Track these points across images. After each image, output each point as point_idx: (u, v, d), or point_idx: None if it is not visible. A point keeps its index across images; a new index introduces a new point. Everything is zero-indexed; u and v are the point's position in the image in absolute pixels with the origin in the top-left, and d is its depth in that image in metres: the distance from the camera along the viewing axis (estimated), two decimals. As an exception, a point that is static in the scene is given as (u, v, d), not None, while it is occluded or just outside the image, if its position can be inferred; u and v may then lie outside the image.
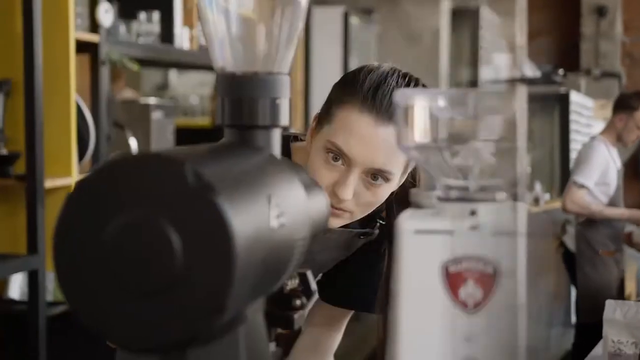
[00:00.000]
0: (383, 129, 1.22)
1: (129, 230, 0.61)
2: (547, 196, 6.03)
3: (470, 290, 0.68)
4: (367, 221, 1.39)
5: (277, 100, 0.79)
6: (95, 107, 2.65)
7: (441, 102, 0.71)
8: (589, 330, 4.01)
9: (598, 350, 2.07)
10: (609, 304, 1.99)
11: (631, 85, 9.51)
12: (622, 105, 4.36)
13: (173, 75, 5.32)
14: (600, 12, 9.17)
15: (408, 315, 0.69)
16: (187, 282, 0.61)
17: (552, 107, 6.72)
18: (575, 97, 6.86)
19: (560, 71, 6.73)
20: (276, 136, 0.80)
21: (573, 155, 6.98)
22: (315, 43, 5.18)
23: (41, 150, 2.33)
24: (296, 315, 0.85)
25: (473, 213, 0.69)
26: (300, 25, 0.82)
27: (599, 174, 4.26)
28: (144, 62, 3.23)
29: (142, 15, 3.07)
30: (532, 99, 5.69)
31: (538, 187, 6.18)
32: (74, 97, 2.49)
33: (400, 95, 0.71)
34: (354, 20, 6.17)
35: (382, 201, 1.29)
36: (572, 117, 6.76)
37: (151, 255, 0.61)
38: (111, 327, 0.62)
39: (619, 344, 1.92)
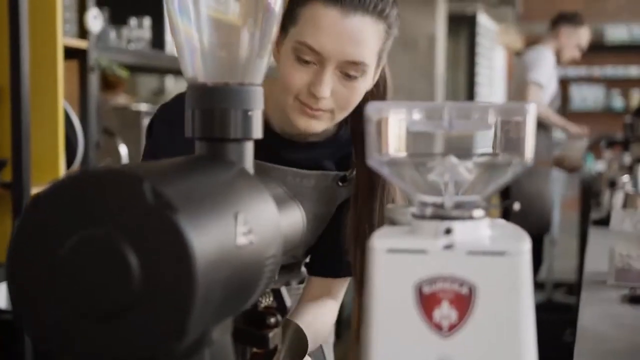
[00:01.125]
0: (350, 19, 1.21)
1: (85, 248, 0.59)
2: None
3: (445, 311, 0.65)
4: (343, 166, 1.39)
5: (250, 112, 0.77)
6: (84, 113, 2.62)
7: (415, 116, 0.68)
8: None
9: (602, 266, 1.90)
10: (616, 213, 1.86)
11: (526, 13, 9.65)
12: (567, 20, 4.49)
13: (170, 80, 5.30)
14: None
15: (380, 338, 0.66)
16: (145, 304, 0.58)
17: (459, 27, 6.78)
18: (482, 20, 6.90)
19: None
20: (249, 149, 0.78)
21: (479, 79, 7.04)
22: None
23: (28, 158, 2.30)
24: (271, 334, 0.82)
25: (448, 231, 0.67)
26: (274, 33, 0.79)
27: (548, 76, 4.38)
28: (134, 69, 3.20)
29: (133, 21, 3.04)
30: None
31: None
32: (61, 103, 2.46)
33: (372, 108, 0.69)
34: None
35: (359, 98, 1.27)
36: (478, 39, 6.81)
37: (108, 275, 0.58)
38: (64, 348, 0.60)
39: (628, 258, 1.79)
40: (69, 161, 2.54)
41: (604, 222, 2.69)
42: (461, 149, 0.70)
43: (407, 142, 0.69)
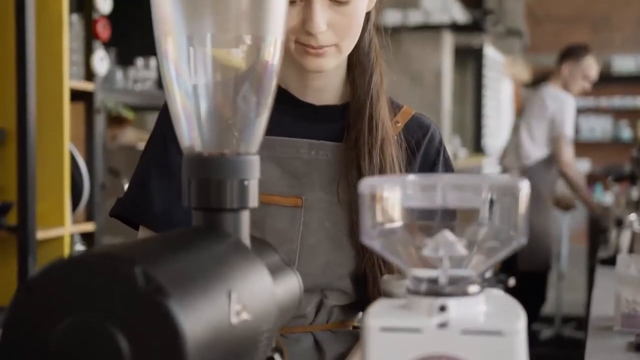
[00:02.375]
0: None
1: (76, 334, 0.59)
2: (464, 151, 6.10)
3: (439, 390, 0.65)
4: None
5: (246, 181, 0.77)
6: (90, 155, 2.63)
7: (409, 191, 0.68)
8: (528, 278, 4.05)
9: (609, 309, 1.87)
10: (622, 258, 1.83)
11: (533, 44, 9.69)
12: (569, 54, 4.56)
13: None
14: None
15: (374, 417, 0.65)
16: (136, 390, 0.58)
17: (466, 60, 6.81)
18: (489, 52, 6.92)
19: (490, 18, 6.67)
20: (245, 218, 0.78)
21: (486, 111, 7.06)
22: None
23: (33, 202, 2.30)
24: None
25: (443, 309, 0.66)
26: (269, 103, 0.79)
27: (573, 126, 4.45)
28: (140, 108, 3.22)
29: (140, 62, 3.07)
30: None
31: (457, 141, 6.20)
32: (67, 146, 2.47)
33: (366, 185, 0.69)
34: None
35: (360, 22, 1.21)
36: (485, 71, 6.84)
37: (100, 360, 0.58)
38: None
39: (634, 304, 1.75)
40: (75, 203, 2.55)
41: (612, 261, 2.68)
42: (457, 222, 0.69)
43: (401, 217, 0.69)
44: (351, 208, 1.25)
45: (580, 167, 9.98)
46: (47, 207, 2.42)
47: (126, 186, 2.81)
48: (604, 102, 9.94)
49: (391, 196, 0.69)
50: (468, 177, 0.70)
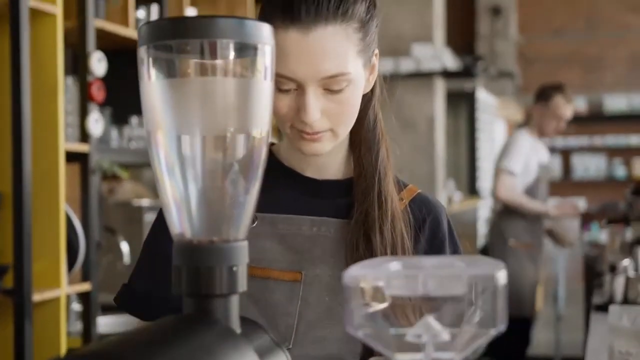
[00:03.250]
0: (313, 35, 1.14)
1: None
2: (459, 195, 6.12)
3: None
4: None
5: (235, 267, 0.79)
6: (85, 215, 2.65)
7: (392, 280, 0.71)
8: (510, 322, 3.99)
9: (603, 358, 1.86)
10: (613, 310, 1.81)
11: (525, 85, 9.80)
12: (539, 96, 4.58)
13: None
14: (495, 12, 9.41)
15: None
16: None
17: (458, 104, 6.86)
18: (481, 95, 6.98)
19: (481, 64, 6.73)
20: (234, 303, 0.80)
21: (480, 153, 7.10)
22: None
23: (29, 264, 2.33)
24: None
25: (426, 394, 0.68)
26: (257, 191, 0.82)
27: (523, 163, 4.39)
28: (136, 165, 3.26)
29: (134, 120, 3.11)
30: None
31: (451, 185, 6.22)
32: (63, 208, 2.49)
33: (349, 275, 0.71)
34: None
35: (355, 108, 1.20)
36: (478, 114, 6.89)
37: None
38: None
39: (627, 355, 1.74)
40: (71, 264, 2.56)
41: (606, 307, 2.69)
42: (439, 309, 0.72)
43: (384, 305, 0.71)
44: None
45: (576, 206, 10.04)
46: (43, 268, 2.44)
47: (122, 244, 2.82)
48: (598, 140, 10.02)
49: (375, 285, 0.71)
50: (449, 267, 0.73)
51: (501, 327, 0.70)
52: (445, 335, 0.71)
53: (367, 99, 1.28)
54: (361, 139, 1.30)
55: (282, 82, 1.15)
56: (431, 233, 1.31)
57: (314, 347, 1.24)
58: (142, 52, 0.80)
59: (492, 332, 0.71)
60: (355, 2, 1.17)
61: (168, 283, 1.24)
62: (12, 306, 2.33)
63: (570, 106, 4.55)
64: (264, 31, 0.79)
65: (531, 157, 4.44)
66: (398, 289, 0.71)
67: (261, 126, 0.81)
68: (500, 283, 0.69)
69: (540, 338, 6.73)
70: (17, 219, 2.35)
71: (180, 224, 0.80)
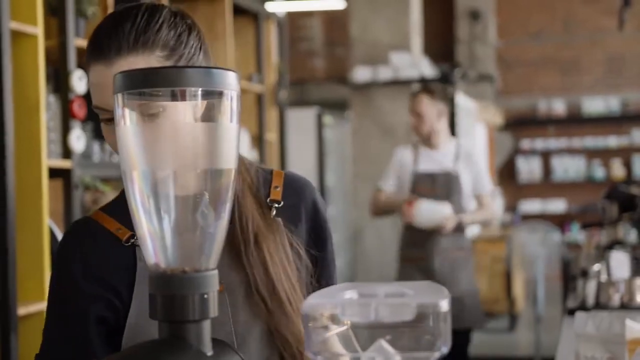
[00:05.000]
0: (116, 67, 1.18)
1: None
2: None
3: None
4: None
5: (206, 295, 0.86)
6: (69, 229, 2.71)
7: (347, 309, 0.78)
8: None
9: None
10: (580, 316, 1.85)
11: (504, 88, 9.93)
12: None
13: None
14: (474, 16, 9.53)
15: None
16: None
17: None
18: (460, 100, 7.06)
19: (457, 71, 6.79)
20: (206, 327, 0.87)
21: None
22: (291, 143, 5.30)
23: (14, 279, 2.38)
24: None
25: (378, 412, 0.76)
26: (225, 222, 0.89)
27: (395, 177, 4.23)
28: (118, 178, 3.31)
29: (115, 134, 3.17)
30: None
31: None
32: (46, 222, 2.55)
33: (308, 303, 0.78)
34: (328, 119, 6.36)
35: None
36: (457, 119, 6.96)
37: None
38: None
39: None
40: (55, 277, 2.62)
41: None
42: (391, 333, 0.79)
43: (339, 330, 0.78)
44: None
45: (555, 207, 10.17)
46: (27, 282, 2.50)
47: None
48: (577, 142, 10.15)
49: (331, 313, 0.78)
50: (399, 295, 0.80)
51: (445, 349, 0.78)
52: (397, 357, 0.78)
53: None
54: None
55: (103, 113, 1.21)
56: (311, 211, 1.36)
57: (258, 342, 1.28)
58: (118, 99, 0.87)
59: (437, 354, 0.78)
60: (160, 30, 1.21)
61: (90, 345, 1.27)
62: (-2, 321, 2.39)
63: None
64: (229, 78, 0.87)
65: (403, 170, 4.24)
66: (353, 316, 0.78)
67: (228, 162, 0.88)
68: (443, 310, 0.77)
69: (520, 338, 6.83)
70: (1, 234, 2.40)
71: (155, 255, 0.87)
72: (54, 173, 2.69)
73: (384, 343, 0.78)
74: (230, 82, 0.87)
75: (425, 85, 4.35)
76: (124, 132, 0.87)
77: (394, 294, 0.80)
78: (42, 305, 2.54)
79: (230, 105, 0.87)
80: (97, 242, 1.27)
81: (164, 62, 1.22)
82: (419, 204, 3.98)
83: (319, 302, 0.79)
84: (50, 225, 2.61)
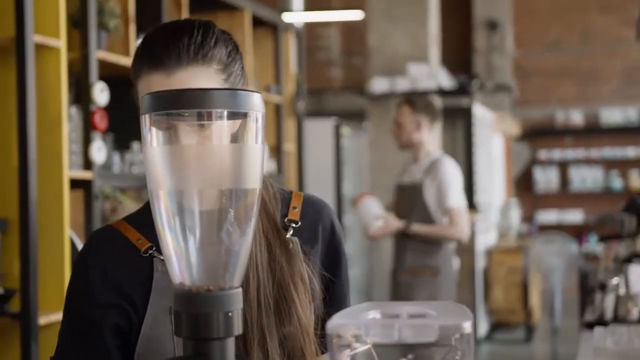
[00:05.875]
0: (176, 76, 1.21)
1: None
2: None
3: None
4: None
5: (230, 312, 0.87)
6: (89, 240, 2.73)
7: (370, 331, 0.79)
8: None
9: None
10: (598, 331, 1.87)
11: (522, 98, 9.89)
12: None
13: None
14: (491, 26, 9.50)
15: None
16: None
17: (455, 119, 6.90)
18: (477, 111, 7.04)
19: (475, 82, 6.78)
20: (230, 345, 0.88)
21: (477, 168, 7.14)
22: (309, 153, 5.31)
23: (35, 288, 2.41)
24: None
25: None
26: (249, 240, 0.90)
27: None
28: (139, 189, 3.34)
29: (135, 145, 3.19)
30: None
31: None
32: (67, 233, 2.58)
33: (331, 325, 0.79)
34: (345, 130, 6.38)
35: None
36: (474, 130, 6.94)
37: None
38: None
39: None
40: (75, 287, 2.64)
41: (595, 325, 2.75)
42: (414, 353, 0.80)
43: (363, 353, 0.80)
44: None
45: (573, 217, 10.13)
46: (48, 292, 2.52)
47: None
48: (595, 153, 10.11)
49: (354, 333, 0.79)
50: (421, 316, 0.81)
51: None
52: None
53: None
54: None
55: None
56: (328, 233, 1.38)
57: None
58: (145, 120, 0.88)
59: (460, 375, 0.79)
60: (216, 46, 1.24)
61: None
62: (19, 330, 2.42)
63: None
64: (255, 99, 0.88)
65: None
66: (376, 337, 0.79)
67: (253, 182, 0.89)
68: (466, 331, 0.77)
69: (537, 350, 6.80)
70: (23, 244, 2.43)
71: (180, 274, 0.88)
72: (74, 184, 2.71)
73: (408, 364, 0.79)
74: (256, 103, 0.88)
75: (409, 97, 4.32)
76: (151, 152, 0.88)
77: (417, 314, 0.81)
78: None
79: (255, 126, 0.88)
80: (116, 251, 1.29)
81: (220, 76, 1.25)
82: (362, 200, 4.00)
83: (342, 322, 0.80)
84: (71, 236, 2.63)
